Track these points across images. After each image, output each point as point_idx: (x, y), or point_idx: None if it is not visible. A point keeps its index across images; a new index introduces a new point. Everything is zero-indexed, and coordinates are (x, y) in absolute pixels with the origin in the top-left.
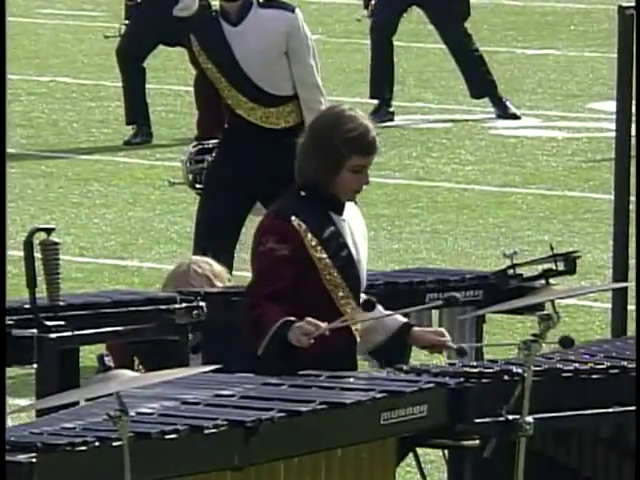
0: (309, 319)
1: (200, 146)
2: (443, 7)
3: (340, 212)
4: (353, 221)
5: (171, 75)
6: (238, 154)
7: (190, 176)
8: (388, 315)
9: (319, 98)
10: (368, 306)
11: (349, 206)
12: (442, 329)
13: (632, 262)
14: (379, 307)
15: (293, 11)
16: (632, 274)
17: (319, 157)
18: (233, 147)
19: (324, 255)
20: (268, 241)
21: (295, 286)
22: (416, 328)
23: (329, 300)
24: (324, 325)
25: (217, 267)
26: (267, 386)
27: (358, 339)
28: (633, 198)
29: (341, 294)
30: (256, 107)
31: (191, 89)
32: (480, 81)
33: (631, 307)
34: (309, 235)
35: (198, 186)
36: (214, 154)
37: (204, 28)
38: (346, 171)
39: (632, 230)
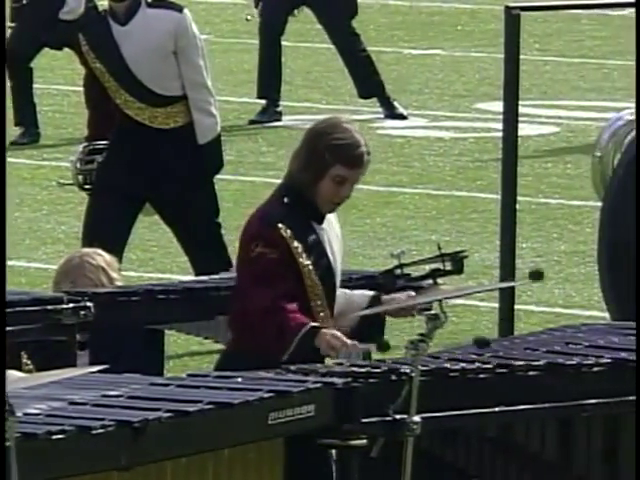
0: (335, 333)
1: (90, 146)
2: (331, 7)
3: (320, 221)
4: (331, 230)
5: (58, 75)
6: (127, 155)
7: (80, 177)
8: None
9: (208, 98)
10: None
11: (328, 215)
12: (412, 292)
13: (518, 261)
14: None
15: (181, 11)
16: (519, 273)
17: (305, 160)
18: (122, 148)
19: (307, 262)
20: (257, 246)
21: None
22: (385, 297)
23: (308, 307)
24: (349, 342)
25: (108, 257)
26: (154, 386)
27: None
28: (519, 198)
29: (319, 302)
30: (144, 107)
31: (78, 89)
32: (368, 81)
33: (518, 306)
34: (295, 242)
35: (87, 187)
36: (104, 155)
37: (92, 27)
38: (328, 179)
39: (519, 230)
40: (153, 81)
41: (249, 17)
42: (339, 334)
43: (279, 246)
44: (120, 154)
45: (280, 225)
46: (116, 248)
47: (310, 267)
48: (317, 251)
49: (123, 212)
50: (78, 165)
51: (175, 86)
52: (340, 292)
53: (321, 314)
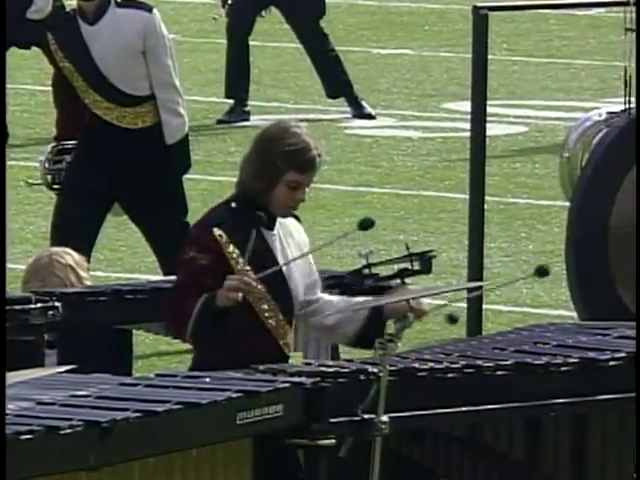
0: (230, 276)
1: (59, 146)
2: (298, 7)
3: (271, 227)
4: (288, 236)
5: (26, 74)
6: (95, 154)
7: (48, 177)
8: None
9: (176, 98)
10: None
11: (286, 222)
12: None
13: (486, 261)
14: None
15: (150, 11)
16: (487, 273)
17: (257, 168)
18: (91, 147)
19: (247, 267)
20: (190, 250)
21: None
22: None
23: (251, 312)
24: (248, 278)
25: (77, 256)
26: (123, 386)
27: (290, 353)
28: (488, 198)
29: (265, 307)
30: (113, 107)
31: (46, 88)
32: (336, 81)
33: (486, 306)
34: (231, 247)
35: (56, 186)
36: (72, 154)
37: (61, 27)
38: (282, 185)
39: (487, 230)
40: (122, 81)
41: (216, 16)
42: (233, 276)
43: (211, 251)
44: (88, 154)
45: (215, 229)
46: (84, 248)
47: (249, 274)
48: (262, 256)
49: (91, 212)
50: (47, 165)
51: (144, 86)
52: (339, 299)
53: (270, 321)
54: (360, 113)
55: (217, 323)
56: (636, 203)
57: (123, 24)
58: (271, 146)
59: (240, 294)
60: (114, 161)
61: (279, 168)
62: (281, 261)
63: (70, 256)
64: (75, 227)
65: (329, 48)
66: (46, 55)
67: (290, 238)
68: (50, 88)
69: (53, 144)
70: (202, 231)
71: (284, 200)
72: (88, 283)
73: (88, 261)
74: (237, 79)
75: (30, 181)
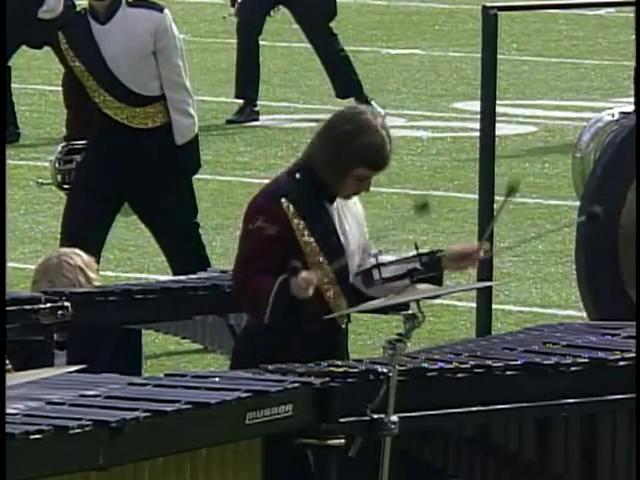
0: (304, 273)
1: (69, 146)
2: (309, 6)
3: (332, 200)
4: (346, 209)
5: (35, 75)
6: (106, 154)
7: (59, 176)
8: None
9: (187, 99)
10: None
11: None
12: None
13: (496, 261)
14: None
15: (162, 11)
16: (496, 273)
17: (332, 156)
18: (101, 147)
19: (311, 239)
20: (258, 220)
21: (282, 266)
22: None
23: None
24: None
25: (86, 257)
26: (132, 386)
27: (342, 326)
28: (497, 197)
29: (325, 279)
30: (123, 106)
31: (56, 88)
32: (345, 81)
33: (495, 306)
34: (296, 218)
35: (66, 186)
36: (82, 154)
37: (72, 26)
38: (352, 178)
39: (496, 229)
40: (132, 80)
41: (225, 15)
42: (305, 272)
43: (279, 222)
44: (98, 154)
45: (283, 200)
46: (94, 248)
47: (314, 245)
48: (324, 228)
49: (101, 212)
50: (57, 165)
51: (154, 86)
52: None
53: (328, 293)
54: None
55: (293, 310)
56: (636, 203)
57: (134, 24)
58: (350, 142)
59: (311, 290)
60: (124, 161)
61: (353, 163)
62: (340, 233)
63: (79, 257)
64: (85, 227)
65: (338, 48)
66: (57, 54)
67: (347, 210)
68: (60, 88)
69: (63, 144)
70: (269, 201)
71: (350, 189)
72: (97, 284)
73: (98, 261)
74: (247, 79)
75: (40, 180)
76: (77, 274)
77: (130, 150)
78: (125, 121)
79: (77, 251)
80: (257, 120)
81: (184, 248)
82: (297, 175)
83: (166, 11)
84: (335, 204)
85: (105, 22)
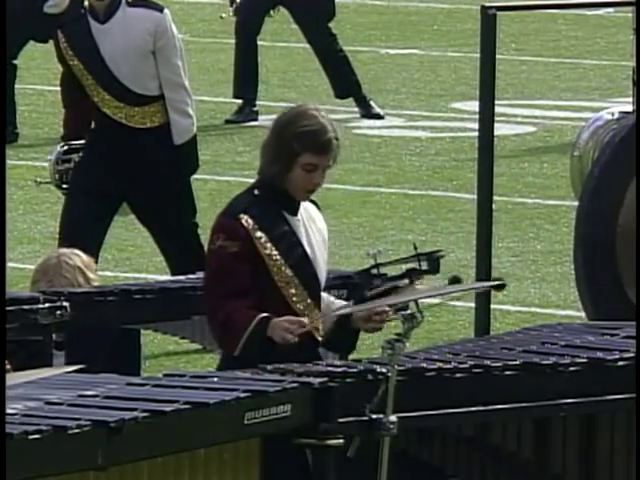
0: (289, 318)
1: (67, 146)
2: (307, 6)
3: (294, 212)
4: (310, 222)
5: (34, 75)
6: (104, 154)
7: (57, 176)
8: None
9: (185, 99)
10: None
11: (308, 207)
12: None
13: (494, 261)
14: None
15: (161, 11)
16: (495, 273)
17: (274, 152)
18: (99, 147)
19: (274, 252)
20: (218, 239)
21: (251, 284)
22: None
23: (280, 297)
24: (306, 321)
25: (85, 257)
26: (131, 386)
27: (319, 339)
28: (496, 197)
29: (293, 291)
30: (122, 106)
31: (54, 88)
32: (344, 81)
33: (494, 306)
34: (258, 232)
35: (65, 186)
36: (80, 154)
37: (72, 24)
38: (298, 168)
39: (495, 230)
40: (131, 80)
41: (224, 15)
42: (293, 318)
43: (240, 238)
44: (97, 153)
45: (242, 215)
46: (92, 248)
47: (278, 257)
48: (288, 241)
49: (99, 212)
50: (55, 164)
51: (153, 86)
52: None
53: (299, 305)
54: (368, 113)
55: (267, 347)
56: (636, 203)
57: (134, 23)
58: (287, 128)
59: (296, 338)
60: (122, 161)
61: (294, 150)
62: (305, 244)
63: (79, 257)
64: (83, 227)
65: (337, 48)
66: (56, 53)
67: (312, 223)
68: (58, 88)
69: (61, 144)
70: (228, 219)
71: (301, 183)
72: (96, 284)
73: (96, 261)
74: (245, 79)
75: (39, 179)
76: (76, 274)
77: (128, 150)
78: (124, 120)
79: (76, 251)
80: (256, 120)
81: (183, 248)
82: (255, 191)
83: (166, 11)
84: (299, 216)
85: (105, 21)
